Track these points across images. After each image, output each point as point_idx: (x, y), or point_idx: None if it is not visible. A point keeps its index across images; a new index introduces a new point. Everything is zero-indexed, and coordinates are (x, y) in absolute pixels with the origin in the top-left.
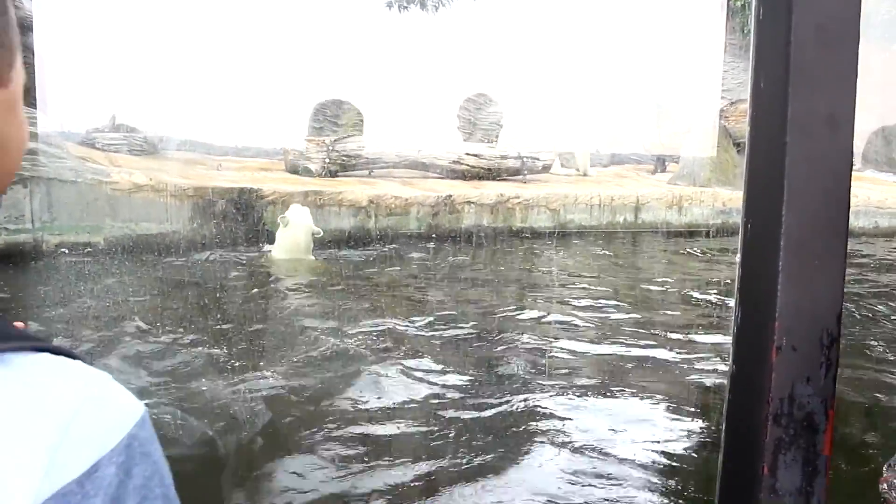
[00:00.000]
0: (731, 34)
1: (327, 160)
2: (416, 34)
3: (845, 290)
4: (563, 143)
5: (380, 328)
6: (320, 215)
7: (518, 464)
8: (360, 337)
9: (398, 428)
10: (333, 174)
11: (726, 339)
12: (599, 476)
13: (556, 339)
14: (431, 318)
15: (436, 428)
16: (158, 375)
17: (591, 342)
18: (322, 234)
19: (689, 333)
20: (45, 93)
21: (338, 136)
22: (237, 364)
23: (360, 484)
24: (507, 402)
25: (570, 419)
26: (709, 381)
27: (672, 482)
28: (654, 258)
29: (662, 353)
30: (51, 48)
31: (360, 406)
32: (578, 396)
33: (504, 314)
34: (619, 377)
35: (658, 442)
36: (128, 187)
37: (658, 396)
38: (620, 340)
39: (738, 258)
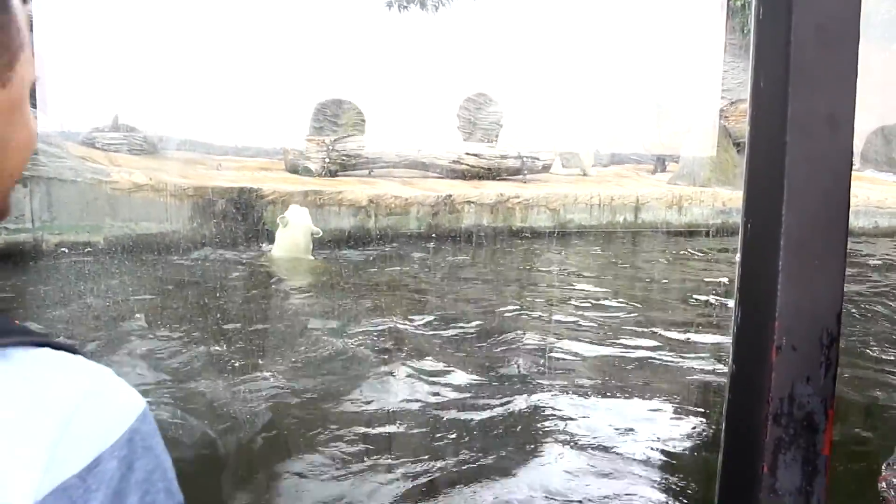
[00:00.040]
0: (731, 34)
1: (327, 160)
2: (416, 34)
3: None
4: (563, 143)
5: (380, 328)
6: (320, 215)
7: (521, 463)
8: (360, 337)
9: (401, 428)
10: (333, 174)
11: (726, 339)
12: (602, 475)
13: (557, 338)
14: (432, 318)
15: (439, 428)
16: (159, 375)
17: (592, 342)
18: (321, 234)
19: (689, 333)
20: (45, 93)
21: (338, 136)
22: (237, 364)
23: (363, 484)
24: (510, 401)
25: (573, 419)
26: (709, 381)
27: (673, 481)
28: (654, 258)
29: (663, 353)
30: (51, 47)
31: (361, 406)
32: (580, 396)
33: (505, 314)
34: (620, 377)
35: (658, 441)
36: (128, 187)
37: (658, 396)
38: (621, 340)
39: (738, 258)
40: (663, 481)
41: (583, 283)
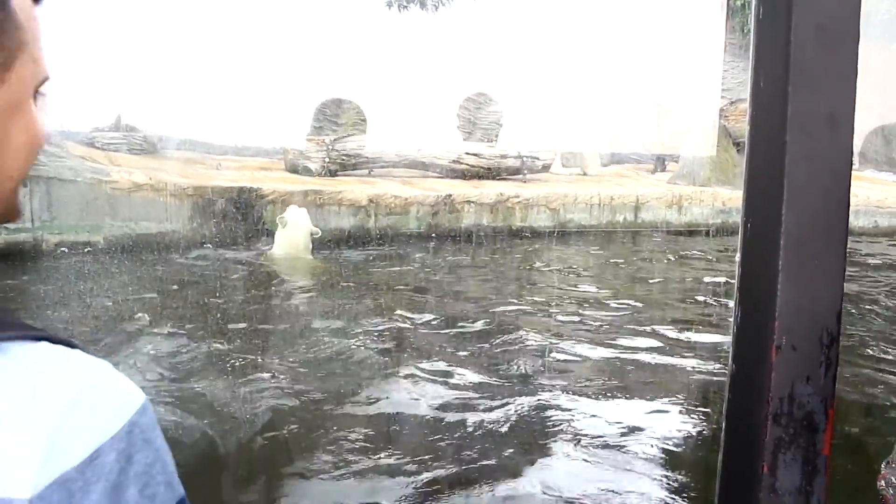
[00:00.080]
0: (731, 34)
1: (327, 159)
2: (416, 33)
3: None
4: (564, 143)
5: (381, 328)
6: (320, 215)
7: (525, 463)
8: (361, 336)
9: (403, 428)
10: (333, 173)
11: (726, 339)
12: (606, 474)
13: (558, 337)
14: (433, 318)
15: (441, 428)
16: (160, 375)
17: (593, 341)
18: (320, 233)
19: (689, 332)
20: (45, 92)
21: (337, 136)
22: (238, 364)
23: (365, 485)
24: (512, 401)
25: (575, 418)
26: (709, 381)
27: (674, 481)
28: (654, 257)
29: (663, 353)
30: (51, 47)
31: (363, 406)
32: (582, 395)
33: (506, 313)
34: (621, 376)
35: (659, 440)
36: (127, 186)
37: (659, 395)
38: (621, 339)
39: (737, 257)
40: (665, 480)
41: (583, 283)
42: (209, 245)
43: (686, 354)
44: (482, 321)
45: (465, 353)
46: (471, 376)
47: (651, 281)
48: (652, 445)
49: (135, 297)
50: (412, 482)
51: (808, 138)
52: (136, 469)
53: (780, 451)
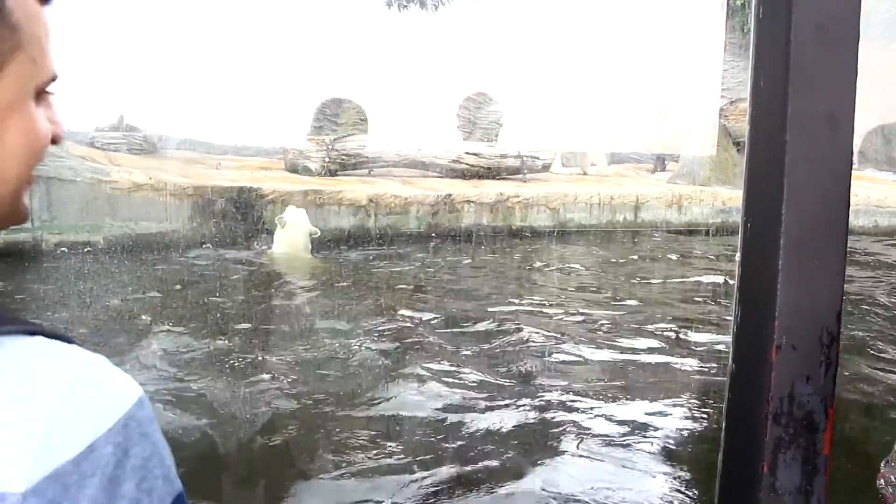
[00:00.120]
0: (731, 33)
1: (327, 159)
2: (416, 33)
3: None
4: (565, 143)
5: (381, 328)
6: (320, 214)
7: (528, 464)
8: (362, 336)
9: (406, 428)
10: (333, 173)
11: (726, 338)
12: (608, 474)
13: (559, 337)
14: (433, 317)
15: (443, 428)
16: (160, 374)
17: (593, 341)
18: (319, 233)
19: (689, 332)
20: None
21: (337, 135)
22: (240, 364)
23: (367, 486)
24: (513, 401)
25: (578, 418)
26: (709, 380)
27: (675, 481)
28: (654, 257)
29: (663, 352)
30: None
31: (364, 406)
32: (583, 395)
33: (507, 313)
34: (622, 376)
35: (660, 440)
36: (127, 186)
37: (660, 395)
38: (622, 339)
39: (737, 257)
40: (666, 480)
41: (583, 283)
42: (209, 245)
43: (686, 354)
44: (482, 321)
45: (465, 353)
46: (472, 376)
47: (651, 281)
48: (653, 444)
49: (135, 297)
50: (413, 482)
51: (808, 138)
52: (133, 463)
53: (780, 450)
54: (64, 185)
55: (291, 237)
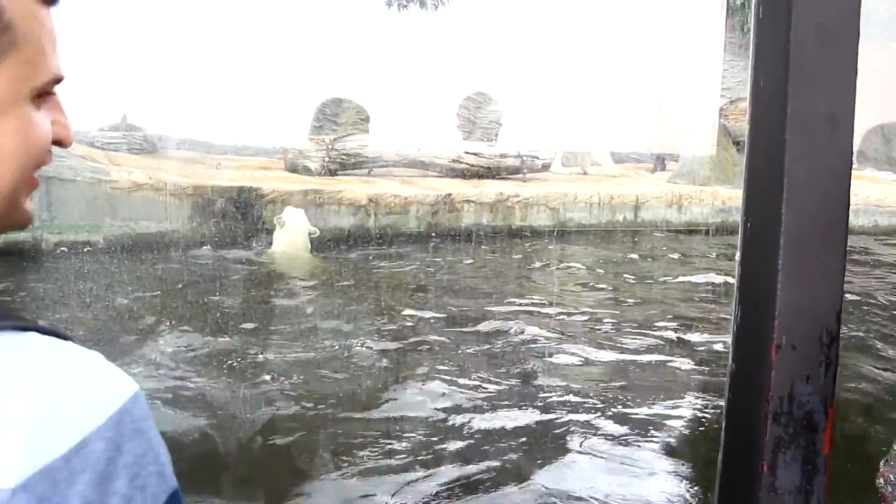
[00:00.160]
0: (731, 33)
1: (326, 159)
2: (416, 33)
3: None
4: (564, 142)
5: (381, 327)
6: (320, 214)
7: (530, 464)
8: (363, 336)
9: (407, 428)
10: (333, 173)
11: (726, 338)
12: (609, 474)
13: (559, 336)
14: (432, 317)
15: (445, 429)
16: (158, 373)
17: (594, 341)
18: (318, 233)
19: (689, 332)
20: None
21: (337, 135)
22: (237, 365)
23: (368, 487)
24: (514, 401)
25: (578, 418)
26: (709, 380)
27: (675, 480)
28: (654, 257)
29: (663, 352)
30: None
31: (364, 406)
32: (584, 395)
33: (506, 313)
34: (623, 376)
35: (661, 439)
36: (127, 186)
37: (661, 394)
38: (622, 339)
39: (737, 257)
40: (666, 480)
41: (583, 282)
42: (209, 245)
43: (687, 353)
44: (483, 321)
45: (466, 353)
46: (473, 375)
47: (651, 280)
48: (654, 444)
49: (134, 297)
50: (414, 482)
51: (807, 138)
52: (126, 459)
53: (780, 450)
54: (64, 185)
55: (290, 237)
